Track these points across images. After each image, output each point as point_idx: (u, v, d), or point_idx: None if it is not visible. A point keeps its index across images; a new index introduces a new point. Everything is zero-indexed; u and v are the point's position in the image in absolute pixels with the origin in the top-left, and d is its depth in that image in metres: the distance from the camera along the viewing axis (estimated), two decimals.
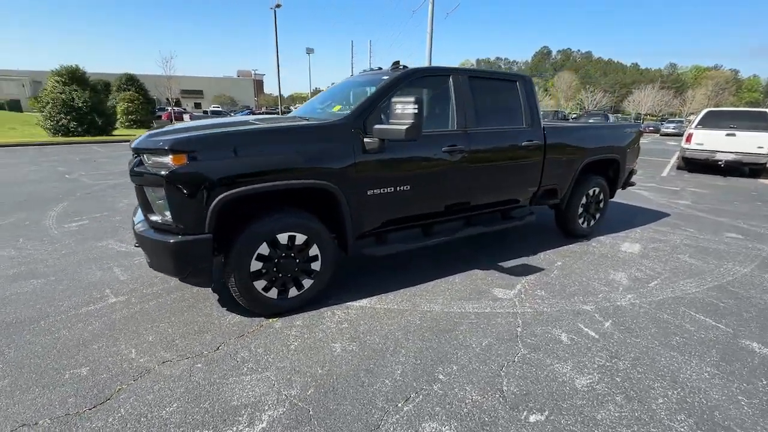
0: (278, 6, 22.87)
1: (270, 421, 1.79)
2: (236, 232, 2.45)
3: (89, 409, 1.83)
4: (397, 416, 1.84)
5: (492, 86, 3.54)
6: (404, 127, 2.48)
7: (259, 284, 2.56)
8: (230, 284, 2.49)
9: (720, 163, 9.60)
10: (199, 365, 2.17)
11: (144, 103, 26.23)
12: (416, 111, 2.46)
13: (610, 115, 17.22)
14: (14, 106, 37.25)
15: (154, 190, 2.29)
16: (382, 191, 2.85)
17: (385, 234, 3.19)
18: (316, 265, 2.75)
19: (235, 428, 1.75)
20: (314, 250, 2.70)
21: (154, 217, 2.37)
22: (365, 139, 2.70)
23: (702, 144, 9.89)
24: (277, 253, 2.57)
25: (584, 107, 61.65)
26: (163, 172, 2.18)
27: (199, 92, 70.73)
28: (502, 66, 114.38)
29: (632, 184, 5.11)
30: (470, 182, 3.31)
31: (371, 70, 3.60)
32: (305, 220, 2.60)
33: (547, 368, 2.21)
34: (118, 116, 22.77)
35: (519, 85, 3.64)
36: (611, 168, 4.60)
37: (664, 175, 10.07)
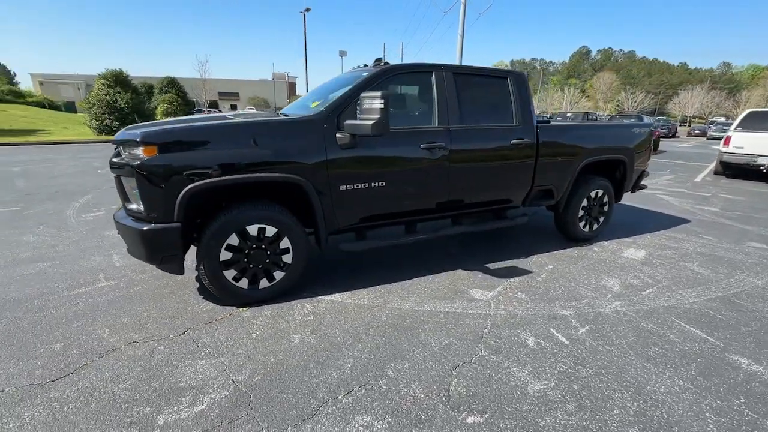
0: (308, 10, 23.49)
1: (210, 404, 1.85)
2: (209, 222, 2.55)
3: (51, 381, 1.97)
4: (334, 408, 1.85)
5: (480, 83, 3.46)
6: (370, 122, 2.48)
7: (229, 274, 2.64)
8: (200, 272, 2.59)
9: (762, 168, 8.84)
10: (162, 347, 2.28)
11: (182, 104, 27.65)
12: (382, 106, 2.46)
13: (645, 117, 16.23)
14: (70, 107, 40.38)
15: (129, 180, 2.42)
16: (356, 187, 2.86)
17: (365, 230, 3.21)
18: (287, 258, 2.80)
19: (175, 408, 1.82)
20: (285, 243, 2.76)
21: (131, 206, 2.51)
22: (337, 135, 2.73)
23: (742, 147, 9.16)
24: (247, 245, 2.64)
25: (623, 109, 58.63)
26: (135, 163, 2.31)
27: (236, 94, 73.59)
28: (538, 67, 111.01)
29: (643, 187, 4.82)
30: (453, 180, 3.26)
31: (359, 67, 3.62)
32: (275, 213, 2.66)
33: (503, 371, 2.14)
34: (158, 117, 24.16)
35: (510, 82, 3.54)
36: (617, 170, 4.37)
37: (698, 180, 9.41)
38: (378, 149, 2.88)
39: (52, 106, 36.75)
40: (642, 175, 4.63)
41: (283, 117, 2.88)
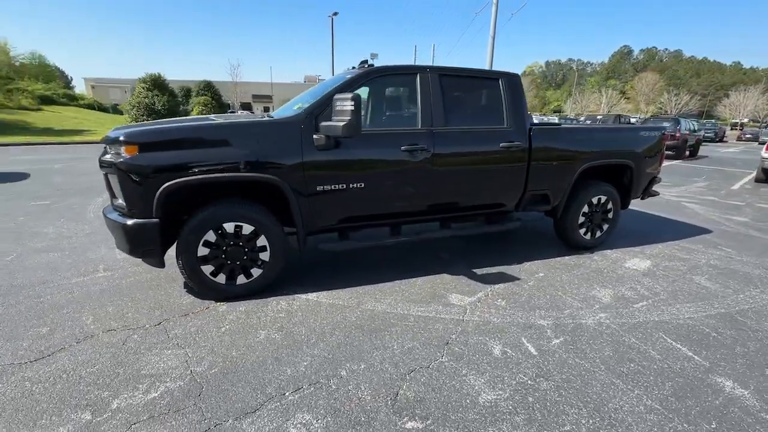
0: (335, 14, 23.93)
1: (163, 392, 1.93)
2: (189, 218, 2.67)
3: (29, 362, 2.13)
4: (278, 404, 1.88)
5: (468, 85, 3.40)
6: (341, 123, 2.51)
7: (207, 269, 2.75)
8: (179, 266, 2.71)
9: None
10: (135, 336, 2.40)
11: (216, 106, 28.90)
12: (353, 108, 2.48)
13: (684, 120, 15.25)
14: (117, 109, 43.25)
15: (113, 177, 2.58)
16: (333, 188, 2.89)
17: (347, 231, 3.24)
18: (264, 256, 2.87)
19: (130, 393, 1.92)
20: (262, 241, 2.83)
21: (117, 202, 2.67)
22: (314, 136, 2.77)
23: None
24: (224, 241, 2.74)
25: (666, 111, 55.32)
26: (117, 161, 2.46)
27: (269, 97, 76.01)
28: (574, 68, 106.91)
29: (654, 194, 4.54)
30: (437, 183, 3.22)
31: (352, 68, 3.65)
32: (251, 212, 2.74)
33: (459, 378, 2.09)
34: None
35: (502, 84, 3.45)
36: (624, 175, 4.15)
37: (735, 188, 8.74)
38: (355, 150, 2.90)
39: (101, 108, 39.47)
40: (653, 181, 4.37)
41: (261, 119, 2.96)
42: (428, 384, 2.04)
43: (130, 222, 2.52)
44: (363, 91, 3.22)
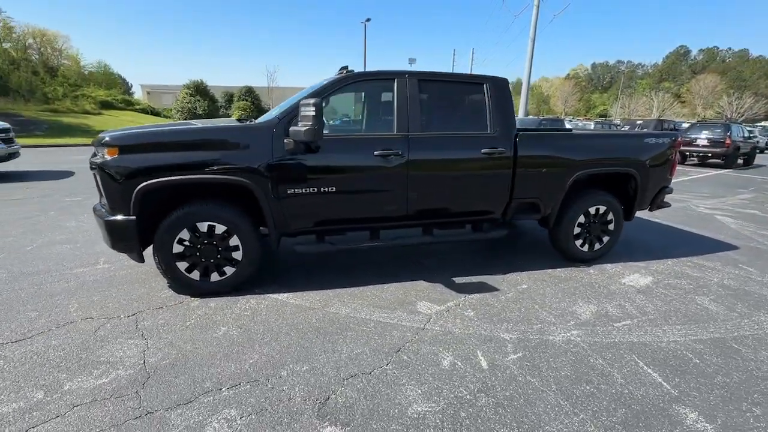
0: (368, 20, 24.37)
1: (113, 378, 2.07)
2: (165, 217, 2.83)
3: (10, 342, 2.35)
4: (210, 398, 1.95)
5: (449, 90, 3.34)
6: (304, 128, 2.57)
7: (182, 265, 2.90)
8: (156, 262, 2.88)
9: None
10: (108, 325, 2.58)
11: (254, 111, 30.30)
12: (314, 114, 2.54)
13: (736, 126, 13.95)
14: (167, 113, 46.57)
15: (97, 176, 2.79)
16: (304, 191, 2.95)
17: (325, 234, 3.29)
18: (237, 255, 2.98)
19: (84, 377, 2.07)
20: (235, 241, 2.94)
21: (103, 200, 2.89)
22: (285, 140, 2.85)
23: None
24: (199, 240, 2.88)
25: (726, 116, 50.83)
26: (99, 162, 2.67)
27: None
28: (624, 69, 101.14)
29: (665, 205, 4.20)
30: (413, 189, 3.19)
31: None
32: (223, 212, 2.86)
33: (396, 387, 2.06)
34: None
35: (487, 89, 3.36)
36: (627, 184, 3.88)
37: None
38: (326, 155, 2.95)
39: (153, 113, 42.64)
40: (662, 191, 4.04)
41: (235, 124, 3.09)
42: (363, 390, 2.03)
43: (109, 218, 2.72)
44: (340, 97, 3.27)
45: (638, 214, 5.70)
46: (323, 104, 2.78)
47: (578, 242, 3.84)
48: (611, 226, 3.89)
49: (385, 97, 3.32)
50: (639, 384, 2.14)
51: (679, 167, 13.53)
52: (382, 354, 2.35)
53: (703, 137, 13.47)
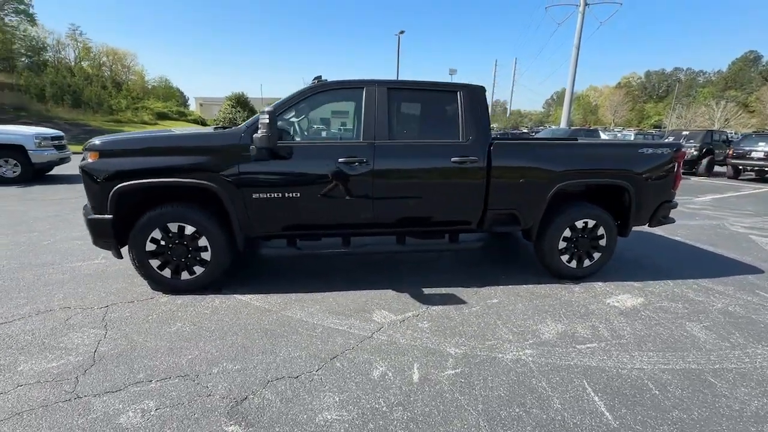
0: (402, 32, 24.72)
1: (60, 363, 2.24)
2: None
3: None
4: (138, 388, 2.05)
5: (421, 98, 3.33)
6: (258, 136, 2.68)
7: (155, 262, 3.09)
8: (131, 258, 3.09)
9: None
10: (79, 316, 2.80)
11: None
12: (267, 122, 2.64)
13: None
14: (210, 123, 49.90)
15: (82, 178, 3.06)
16: (268, 196, 3.05)
17: (295, 238, 3.37)
18: (206, 255, 3.13)
19: (39, 360, 2.25)
20: (204, 242, 3.09)
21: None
22: (251, 147, 2.98)
23: None
24: (170, 239, 3.05)
25: None
26: (83, 164, 2.93)
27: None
28: (682, 78, 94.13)
29: (669, 221, 3.84)
30: (381, 195, 3.18)
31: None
32: (192, 214, 3.02)
33: (315, 394, 2.05)
34: None
35: (460, 97, 3.30)
36: (621, 198, 3.62)
37: None
38: (290, 161, 3.04)
39: (203, 123, 45.86)
40: (663, 206, 3.71)
41: (206, 132, 3.28)
42: (282, 394, 2.05)
43: (91, 217, 2.97)
44: (314, 106, 3.35)
45: (655, 230, 5.28)
46: (277, 114, 2.88)
47: (564, 257, 3.61)
48: (602, 242, 3.63)
49: (351, 106, 3.37)
50: (576, 411, 1.97)
51: (730, 182, 12.33)
52: (317, 360, 2.36)
53: (759, 150, 12.19)
